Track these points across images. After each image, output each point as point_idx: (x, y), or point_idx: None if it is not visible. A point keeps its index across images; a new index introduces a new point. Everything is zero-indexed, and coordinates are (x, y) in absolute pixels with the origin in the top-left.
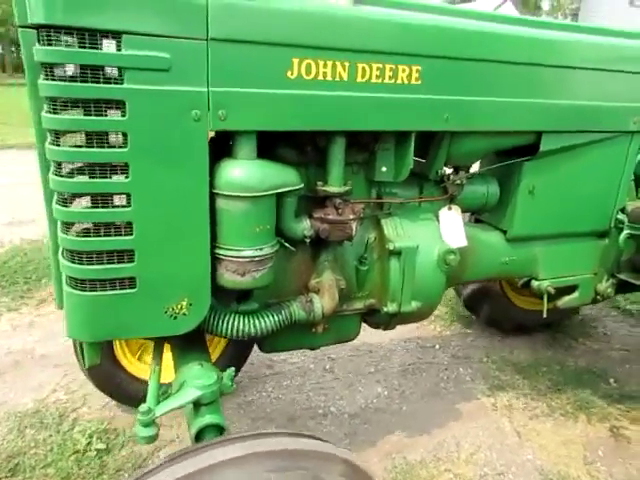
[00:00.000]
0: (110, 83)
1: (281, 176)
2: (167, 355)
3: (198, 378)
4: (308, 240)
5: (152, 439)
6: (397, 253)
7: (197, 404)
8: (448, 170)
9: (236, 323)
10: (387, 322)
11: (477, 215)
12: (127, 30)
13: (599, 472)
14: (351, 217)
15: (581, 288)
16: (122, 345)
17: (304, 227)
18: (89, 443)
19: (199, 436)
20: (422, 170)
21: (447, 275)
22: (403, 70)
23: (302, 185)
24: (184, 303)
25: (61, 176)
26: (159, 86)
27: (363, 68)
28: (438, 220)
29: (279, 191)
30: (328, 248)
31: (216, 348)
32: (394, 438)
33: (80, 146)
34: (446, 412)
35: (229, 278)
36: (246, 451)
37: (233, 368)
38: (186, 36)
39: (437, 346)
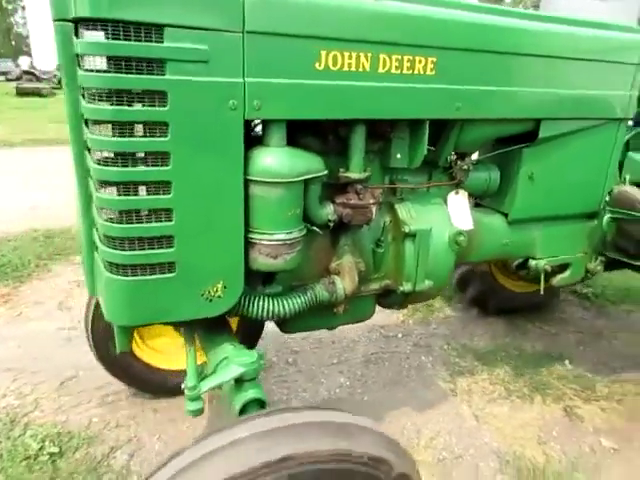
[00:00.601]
0: (153, 75)
1: (308, 163)
2: (164, 340)
3: (239, 356)
4: (332, 224)
5: (200, 412)
6: (412, 235)
7: (239, 380)
8: (454, 157)
9: (267, 305)
10: (401, 302)
11: (478, 200)
12: (169, 23)
13: (553, 451)
14: (371, 201)
15: (573, 266)
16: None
17: (328, 212)
18: (41, 447)
19: (243, 411)
20: (431, 157)
21: (456, 255)
22: (419, 61)
23: (326, 172)
24: (219, 286)
25: (105, 165)
26: (198, 77)
27: (384, 59)
28: (446, 204)
29: (307, 177)
30: (347, 232)
31: None
32: None
33: (122, 135)
34: (407, 400)
35: (262, 261)
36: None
37: (261, 350)
38: (224, 29)
39: (400, 335)
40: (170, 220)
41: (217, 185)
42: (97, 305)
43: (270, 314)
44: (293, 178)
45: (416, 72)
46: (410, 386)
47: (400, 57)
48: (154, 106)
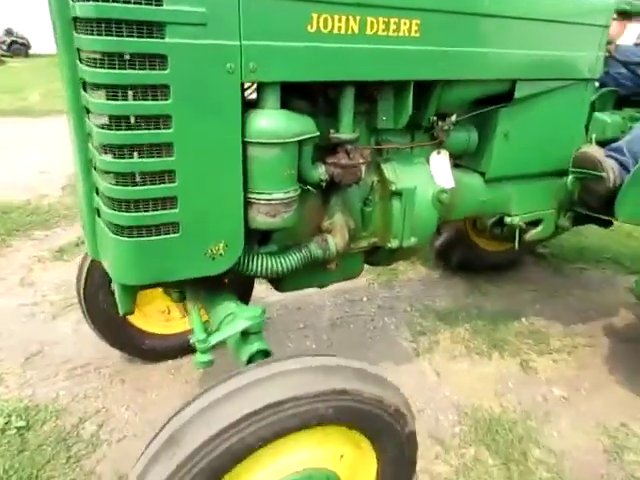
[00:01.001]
0: (153, 38)
1: (302, 125)
2: (155, 306)
3: (244, 312)
4: (324, 184)
5: (211, 363)
6: (398, 194)
7: (245, 334)
8: (436, 117)
9: (265, 262)
10: (387, 258)
11: (457, 160)
12: None
13: (509, 402)
14: (361, 161)
15: (545, 222)
16: None
17: (320, 172)
18: (7, 422)
19: (249, 362)
20: (414, 119)
21: (439, 213)
22: (405, 23)
23: (318, 133)
24: (221, 245)
25: (109, 129)
26: (197, 40)
27: (371, 22)
28: (429, 164)
29: (301, 138)
30: (338, 192)
31: None
32: None
33: (125, 99)
34: (373, 360)
35: (262, 220)
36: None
37: (262, 307)
38: None
39: (365, 299)
40: (173, 182)
41: (217, 147)
42: (89, 271)
43: (268, 271)
44: (289, 139)
45: (402, 34)
46: (375, 347)
47: (387, 19)
48: (155, 69)
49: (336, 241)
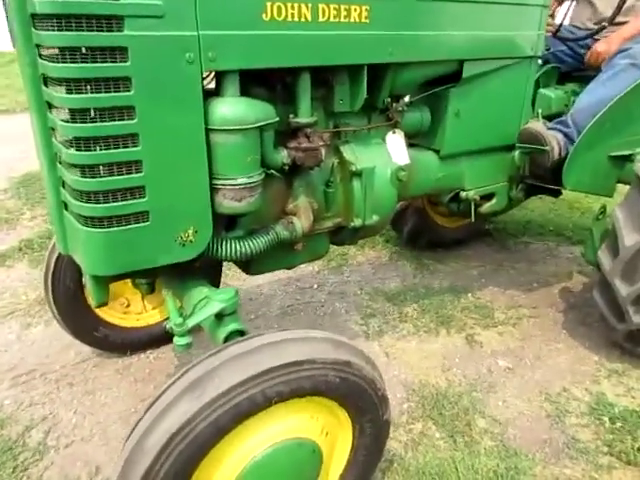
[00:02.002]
0: (113, 31)
1: (262, 111)
2: (124, 300)
3: (218, 294)
4: (287, 168)
5: (189, 346)
6: (358, 174)
7: (220, 315)
8: (390, 99)
9: (234, 246)
10: (351, 237)
11: (412, 140)
12: None
13: (455, 375)
14: (320, 144)
15: (498, 195)
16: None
17: (282, 156)
18: None
19: (226, 342)
20: (369, 101)
21: (398, 190)
22: (355, 9)
23: (278, 118)
24: (190, 231)
25: (74, 122)
26: (156, 32)
27: (323, 9)
28: (386, 144)
29: (262, 124)
30: (301, 175)
31: None
32: None
33: (89, 92)
34: None
35: (228, 205)
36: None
37: (235, 289)
38: None
39: (315, 286)
40: (140, 172)
41: (181, 135)
42: (56, 265)
43: (237, 254)
44: (250, 125)
45: (352, 20)
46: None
47: (337, 6)
48: (116, 62)
49: (301, 222)
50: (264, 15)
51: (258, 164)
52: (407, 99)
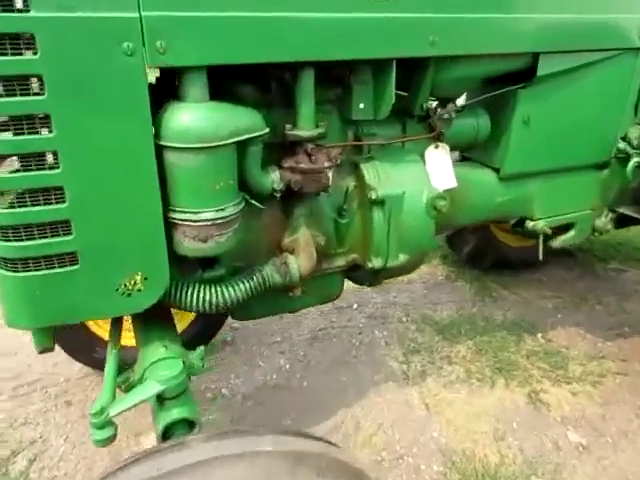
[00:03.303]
0: (13, 12)
1: (241, 120)
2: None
3: (162, 369)
4: (279, 194)
5: (109, 440)
6: (380, 202)
7: (162, 398)
8: (434, 104)
9: (202, 294)
10: (372, 278)
11: (465, 153)
12: None
13: (510, 448)
14: (326, 164)
15: (578, 225)
16: None
17: (273, 179)
18: None
19: (166, 433)
20: (404, 105)
21: (436, 222)
22: None
23: (267, 130)
24: (138, 278)
25: None
26: (75, 12)
27: None
28: (424, 161)
29: (240, 139)
30: (302, 201)
31: (184, 315)
32: (287, 422)
33: None
34: (352, 385)
35: (189, 246)
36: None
37: (202, 347)
38: None
39: (355, 306)
40: (63, 201)
41: (118, 153)
42: None
43: (207, 305)
44: (220, 141)
45: None
46: (357, 368)
47: None
48: (21, 54)
49: (299, 263)
50: None
51: (233, 192)
52: (458, 103)
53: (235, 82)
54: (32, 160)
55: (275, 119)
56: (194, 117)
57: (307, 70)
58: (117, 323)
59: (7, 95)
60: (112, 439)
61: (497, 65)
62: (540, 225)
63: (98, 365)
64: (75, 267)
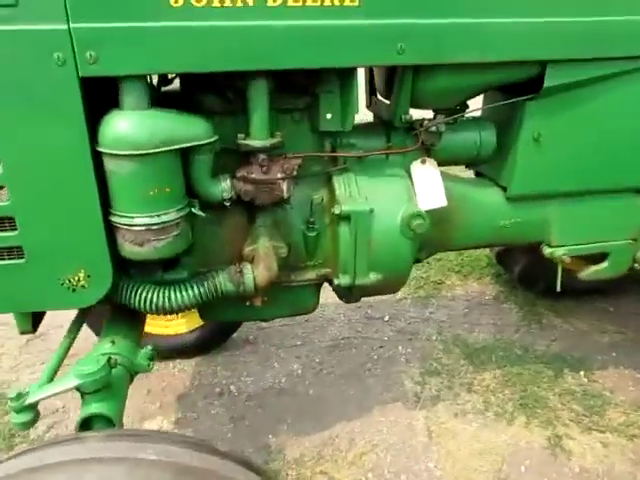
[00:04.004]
0: None
1: (182, 128)
2: None
3: (84, 364)
4: (228, 204)
5: (28, 424)
6: (345, 217)
7: (81, 391)
8: (428, 114)
9: (149, 296)
10: (346, 295)
11: (474, 168)
12: None
13: None
14: (279, 176)
15: (614, 256)
16: None
17: (223, 188)
18: None
19: (84, 425)
20: (389, 115)
21: (414, 242)
22: None
23: (214, 138)
24: (81, 275)
25: None
26: (8, 25)
27: None
28: (411, 176)
29: (179, 147)
30: (265, 211)
31: None
32: (282, 428)
33: None
34: (357, 399)
35: (128, 249)
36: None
37: (150, 347)
38: None
39: (387, 317)
40: (5, 199)
41: (55, 158)
42: None
43: (154, 307)
44: (151, 148)
45: (327, 3)
46: (367, 382)
47: None
48: None
49: (257, 273)
50: (172, 0)
51: (172, 199)
52: (475, 112)
53: (198, 91)
54: None
55: (232, 127)
56: (127, 125)
57: (258, 79)
58: (79, 315)
59: None
60: (32, 423)
61: (491, 75)
62: (558, 253)
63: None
64: (22, 260)
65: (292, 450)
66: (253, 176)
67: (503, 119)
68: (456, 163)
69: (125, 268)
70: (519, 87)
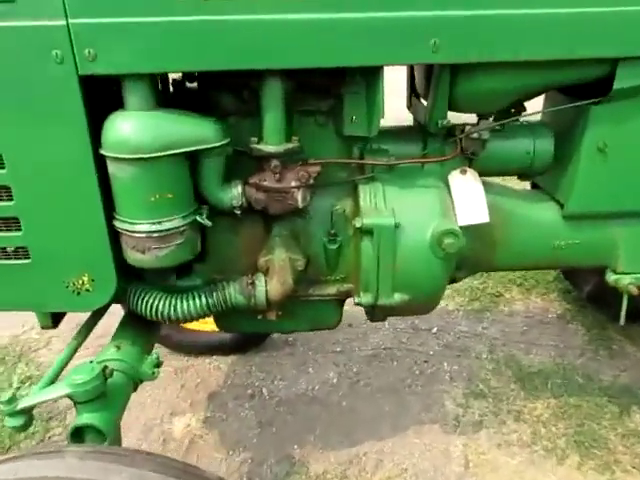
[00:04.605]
0: None
1: (189, 131)
2: None
3: (78, 372)
4: (238, 212)
5: (21, 428)
6: (368, 231)
7: (74, 401)
8: (451, 120)
9: (155, 303)
10: (370, 313)
11: (529, 179)
12: None
13: None
14: (293, 184)
15: None
16: None
17: (232, 195)
18: (19, 387)
19: (76, 434)
20: (426, 119)
21: (448, 262)
22: None
23: (224, 142)
24: (85, 279)
25: None
26: (7, 21)
27: None
28: (449, 188)
29: (185, 150)
30: (283, 220)
31: None
32: (309, 439)
33: None
34: (392, 417)
35: (131, 255)
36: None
37: (156, 355)
38: None
39: (435, 330)
40: (10, 199)
41: (57, 159)
42: None
43: (159, 315)
44: (153, 152)
45: None
46: (405, 399)
47: None
48: None
49: (270, 286)
50: None
51: (175, 206)
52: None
53: (213, 90)
54: None
55: (248, 129)
56: (129, 127)
57: (271, 78)
58: (90, 320)
59: None
60: (25, 427)
61: (546, 75)
62: (625, 282)
63: (163, 341)
64: (27, 261)
65: (316, 465)
66: (265, 183)
67: (565, 125)
68: (506, 174)
69: (138, 273)
70: (585, 88)
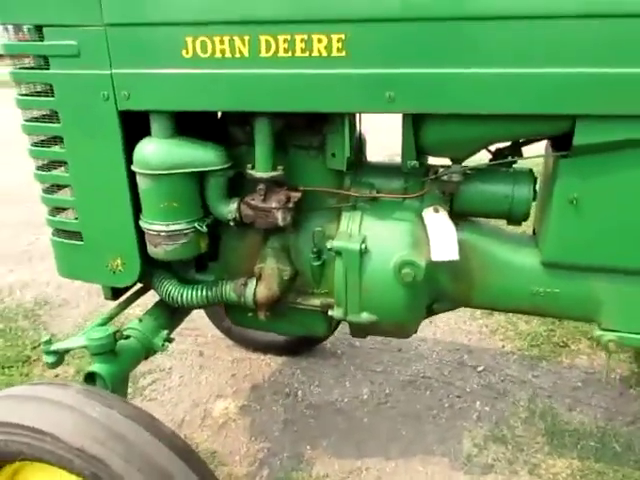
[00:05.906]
0: (42, 69)
1: (197, 155)
2: None
3: (95, 331)
4: (233, 223)
5: (54, 364)
6: (338, 253)
7: (90, 352)
8: (449, 161)
9: (170, 289)
10: (350, 328)
11: (517, 224)
12: (46, 23)
13: None
14: (274, 205)
15: None
16: None
17: (229, 210)
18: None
19: (87, 379)
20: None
21: (413, 290)
22: (319, 40)
23: (225, 166)
24: (119, 261)
25: (32, 145)
26: (74, 70)
27: (267, 41)
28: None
29: (191, 170)
30: (276, 235)
31: None
32: (322, 443)
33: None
34: (405, 442)
35: (149, 248)
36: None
37: (167, 331)
38: (86, 24)
39: (481, 368)
40: (72, 194)
41: (102, 169)
42: None
43: (171, 299)
44: (161, 170)
45: (315, 54)
46: (424, 428)
47: (289, 37)
48: (47, 96)
49: (258, 289)
50: (184, 52)
51: (181, 213)
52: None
53: (228, 123)
54: (55, 164)
55: (247, 157)
56: (148, 150)
57: (260, 118)
58: (131, 296)
59: (42, 122)
60: (57, 364)
61: (507, 127)
62: (606, 338)
63: (227, 333)
64: (81, 243)
65: (320, 467)
66: (253, 202)
67: (547, 174)
68: (487, 216)
69: (167, 264)
70: (566, 140)
